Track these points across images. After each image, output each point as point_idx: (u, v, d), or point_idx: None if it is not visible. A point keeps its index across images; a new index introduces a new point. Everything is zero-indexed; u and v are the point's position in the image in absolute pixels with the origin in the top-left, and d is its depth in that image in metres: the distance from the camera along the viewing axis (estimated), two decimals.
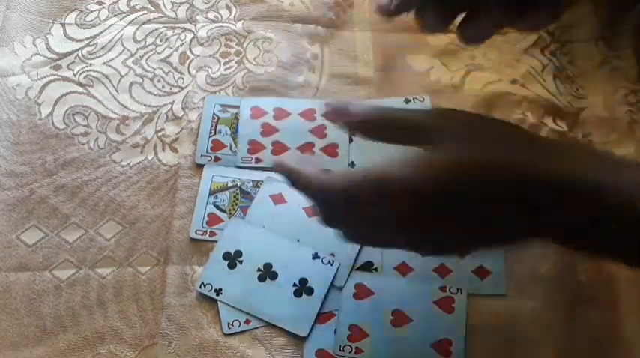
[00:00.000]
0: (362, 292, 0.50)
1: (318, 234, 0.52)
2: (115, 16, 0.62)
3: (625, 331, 0.49)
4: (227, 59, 0.61)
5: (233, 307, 0.49)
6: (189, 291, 0.50)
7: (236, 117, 0.57)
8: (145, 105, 0.58)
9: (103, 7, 0.63)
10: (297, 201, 0.53)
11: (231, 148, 0.56)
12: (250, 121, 0.57)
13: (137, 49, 0.61)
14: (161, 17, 0.63)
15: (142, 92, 0.59)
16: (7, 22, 0.61)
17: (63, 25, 0.62)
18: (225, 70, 0.60)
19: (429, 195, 0.38)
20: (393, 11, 0.46)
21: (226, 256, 0.51)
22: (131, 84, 0.59)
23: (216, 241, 0.52)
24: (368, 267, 0.51)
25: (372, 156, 0.55)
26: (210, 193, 0.54)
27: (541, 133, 0.56)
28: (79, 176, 0.55)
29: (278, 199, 0.54)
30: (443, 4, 0.45)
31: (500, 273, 0.51)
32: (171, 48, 0.61)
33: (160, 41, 0.61)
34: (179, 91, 0.59)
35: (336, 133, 0.56)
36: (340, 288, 0.50)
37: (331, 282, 0.50)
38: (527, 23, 0.47)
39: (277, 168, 0.43)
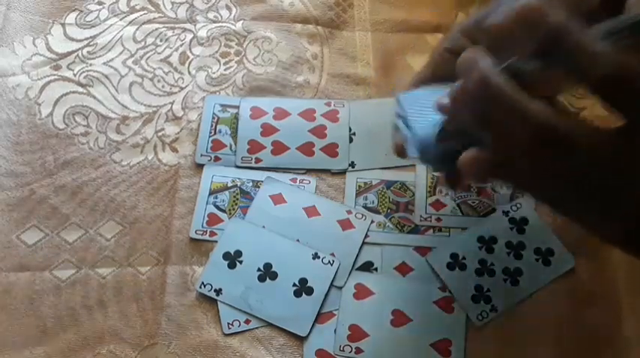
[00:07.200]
0: (362, 292, 0.50)
1: (318, 234, 0.52)
2: (115, 16, 0.62)
3: (625, 331, 0.49)
4: (227, 59, 0.61)
5: (233, 307, 0.49)
6: (189, 291, 0.50)
7: (236, 117, 0.57)
8: (144, 105, 0.58)
9: (103, 7, 0.63)
10: (297, 201, 0.53)
11: (231, 148, 0.56)
12: (250, 121, 0.57)
13: (137, 49, 0.61)
14: (161, 17, 0.63)
15: (142, 92, 0.59)
16: (7, 22, 0.61)
17: (63, 25, 0.62)
18: (225, 69, 0.60)
19: None
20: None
21: (226, 256, 0.51)
22: (131, 84, 0.59)
23: (216, 241, 0.52)
24: (368, 266, 0.51)
25: (372, 156, 0.55)
26: (210, 193, 0.54)
27: None
28: (79, 176, 0.55)
29: (278, 199, 0.54)
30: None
31: None
32: (171, 48, 0.61)
33: (160, 41, 0.61)
34: (179, 91, 0.59)
35: (336, 133, 0.56)
36: (340, 288, 0.50)
37: (331, 282, 0.50)
38: None
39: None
